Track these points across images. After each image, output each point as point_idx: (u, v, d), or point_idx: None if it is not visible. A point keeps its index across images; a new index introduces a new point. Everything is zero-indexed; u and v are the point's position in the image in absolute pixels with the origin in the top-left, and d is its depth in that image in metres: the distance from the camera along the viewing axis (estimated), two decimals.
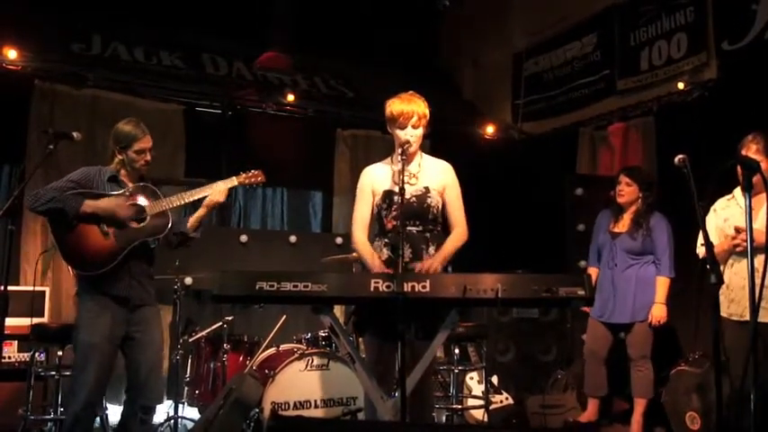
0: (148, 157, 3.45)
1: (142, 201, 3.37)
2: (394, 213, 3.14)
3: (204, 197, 3.48)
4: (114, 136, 3.42)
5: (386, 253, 3.15)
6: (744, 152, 3.44)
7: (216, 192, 3.45)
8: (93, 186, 3.34)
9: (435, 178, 3.25)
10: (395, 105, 3.18)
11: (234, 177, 3.56)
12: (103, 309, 3.25)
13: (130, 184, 3.43)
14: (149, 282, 3.46)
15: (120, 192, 3.36)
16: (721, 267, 3.66)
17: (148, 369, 3.36)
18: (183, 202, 3.43)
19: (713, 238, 3.67)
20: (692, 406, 4.36)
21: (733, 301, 3.50)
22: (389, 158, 3.33)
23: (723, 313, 3.56)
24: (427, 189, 3.20)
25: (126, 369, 3.40)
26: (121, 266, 3.27)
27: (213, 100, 6.36)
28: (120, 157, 3.41)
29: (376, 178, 3.27)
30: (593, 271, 4.65)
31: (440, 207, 3.23)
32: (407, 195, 3.10)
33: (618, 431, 4.82)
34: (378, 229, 3.27)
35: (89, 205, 3.22)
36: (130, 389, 3.36)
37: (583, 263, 5.40)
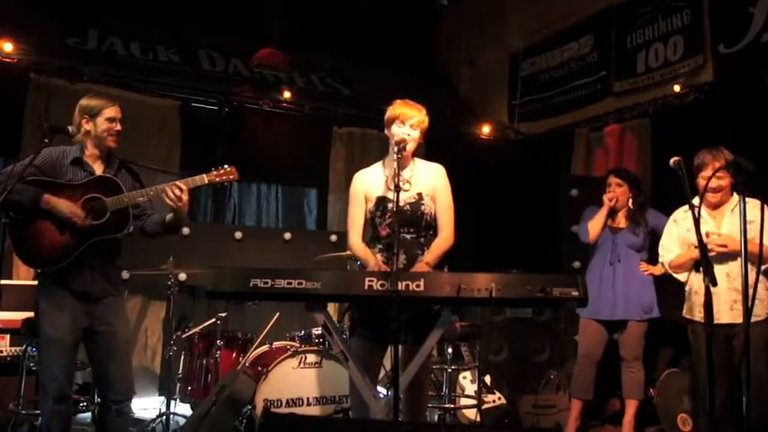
0: (119, 127, 3.28)
1: (103, 195, 3.19)
2: (388, 221, 3.16)
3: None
4: (81, 107, 3.27)
5: (380, 258, 3.17)
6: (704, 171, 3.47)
7: (174, 200, 3.18)
8: (56, 170, 3.19)
9: (427, 182, 3.26)
10: (397, 107, 3.23)
11: (204, 175, 3.34)
12: (62, 302, 3.13)
13: (96, 167, 3.28)
14: (113, 271, 3.33)
15: (82, 182, 3.21)
16: (687, 275, 3.71)
17: (115, 362, 3.23)
18: (146, 198, 3.26)
19: (676, 248, 3.73)
20: (684, 407, 4.38)
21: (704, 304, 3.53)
22: (381, 162, 3.34)
23: (695, 317, 3.64)
24: (420, 196, 3.21)
25: (91, 363, 3.30)
26: (80, 261, 3.13)
27: (209, 96, 6.36)
28: (87, 128, 3.24)
29: (368, 183, 3.29)
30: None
31: (433, 213, 3.24)
32: (401, 203, 3.11)
33: None
34: (371, 235, 3.28)
35: (47, 201, 3.09)
36: (98, 384, 3.26)
37: (577, 263, 5.42)
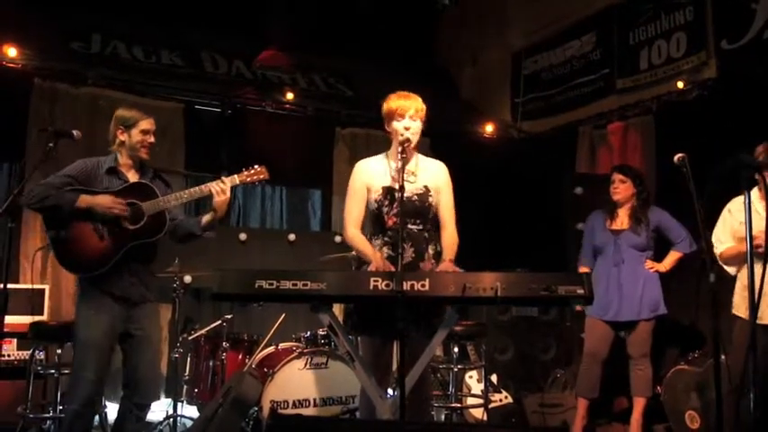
0: (152, 139, 3.38)
1: (139, 200, 3.29)
2: (396, 210, 3.11)
3: (206, 196, 3.42)
4: (117, 118, 3.36)
5: (386, 251, 3.13)
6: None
7: (219, 193, 3.36)
8: (91, 180, 3.28)
9: (432, 178, 3.26)
10: (392, 101, 3.20)
11: (236, 176, 3.49)
12: (102, 306, 3.22)
13: (129, 175, 3.37)
14: (150, 278, 3.43)
15: (118, 189, 3.30)
16: (735, 269, 3.67)
17: (146, 366, 3.34)
18: (180, 201, 3.37)
19: (727, 239, 3.67)
20: (692, 405, 4.37)
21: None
22: (384, 153, 3.31)
23: (741, 314, 3.58)
24: (427, 188, 3.21)
25: (123, 366, 3.37)
26: (120, 266, 3.23)
27: (212, 98, 6.36)
28: (122, 138, 3.33)
29: (372, 173, 3.24)
30: (586, 270, 4.65)
31: (437, 207, 3.25)
32: (408, 194, 3.11)
33: (617, 430, 4.83)
34: (377, 226, 3.23)
35: (85, 200, 3.18)
36: (128, 386, 3.34)
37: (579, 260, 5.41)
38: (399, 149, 3.07)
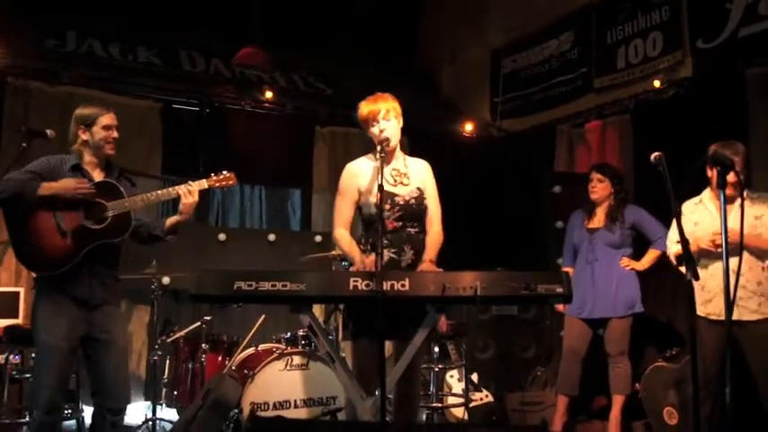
0: (116, 134, 3.29)
1: (104, 200, 3.20)
2: (397, 215, 3.13)
3: (173, 199, 3.36)
4: (76, 117, 3.27)
5: (387, 254, 3.07)
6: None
7: (186, 195, 3.30)
8: (55, 177, 3.17)
9: (420, 178, 3.27)
10: (362, 107, 3.21)
11: (204, 180, 3.42)
12: (61, 308, 3.12)
13: (95, 174, 3.27)
14: (112, 282, 3.31)
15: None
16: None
17: (113, 370, 3.23)
18: (148, 203, 3.29)
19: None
20: (670, 401, 4.42)
21: (710, 301, 3.56)
22: (372, 155, 3.26)
23: (699, 313, 3.62)
24: (420, 190, 3.22)
25: (88, 372, 3.26)
26: (80, 267, 3.13)
27: (190, 97, 6.30)
28: (84, 137, 3.25)
29: (362, 175, 3.22)
30: (568, 270, 4.68)
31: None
32: (407, 197, 3.15)
33: (596, 427, 4.86)
34: (363, 229, 3.24)
35: (47, 187, 3.08)
36: (97, 393, 3.23)
37: (561, 260, 5.44)
38: (378, 149, 3.05)
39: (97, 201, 3.18)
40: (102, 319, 3.21)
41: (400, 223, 3.13)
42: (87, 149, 3.28)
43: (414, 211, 3.17)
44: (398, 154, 3.28)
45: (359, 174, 3.23)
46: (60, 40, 6.12)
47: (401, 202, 3.15)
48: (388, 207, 3.12)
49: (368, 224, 3.22)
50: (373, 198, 3.11)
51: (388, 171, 3.18)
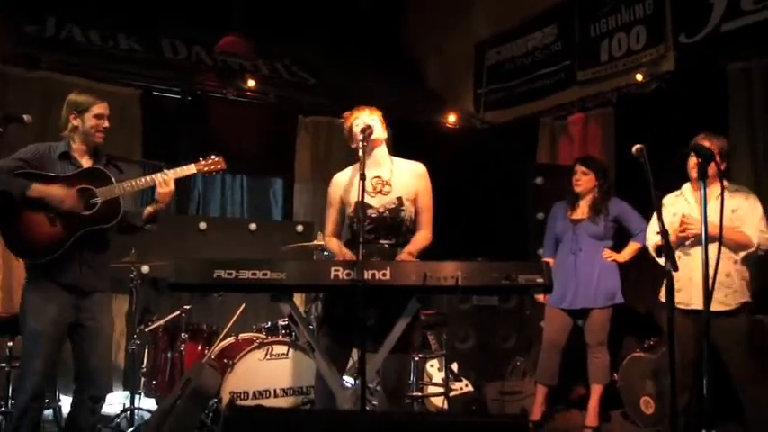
0: (106, 124, 3.30)
1: (93, 186, 3.20)
2: (369, 227, 3.10)
3: (151, 187, 3.34)
4: (69, 103, 3.27)
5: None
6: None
7: (161, 185, 3.29)
8: (44, 164, 3.18)
9: (407, 185, 3.21)
10: (346, 123, 3.23)
11: (192, 164, 3.42)
12: (50, 295, 3.13)
13: (83, 161, 3.27)
14: (102, 268, 3.32)
15: (71, 173, 3.20)
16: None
17: (98, 358, 3.24)
18: (136, 189, 3.28)
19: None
20: (647, 390, 4.47)
21: (680, 290, 3.58)
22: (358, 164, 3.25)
23: (677, 303, 3.64)
24: (400, 201, 3.16)
25: (74, 357, 3.27)
26: (70, 253, 3.13)
27: (172, 85, 6.24)
28: (75, 123, 3.24)
29: (345, 187, 3.23)
30: (549, 261, 4.70)
31: (413, 217, 3.21)
32: (381, 209, 3.12)
33: (575, 416, 4.91)
34: (350, 240, 3.22)
35: (36, 190, 3.08)
36: (79, 378, 3.24)
37: (542, 250, 5.47)
38: (361, 137, 3.05)
39: (86, 187, 3.18)
40: (90, 307, 3.23)
41: (372, 236, 3.10)
42: (77, 136, 3.29)
43: (388, 224, 3.12)
44: (385, 159, 3.25)
45: (342, 185, 3.26)
46: (40, 25, 6.02)
47: (373, 215, 3.10)
48: (357, 220, 3.10)
49: (352, 234, 3.22)
50: (350, 211, 3.18)
51: (370, 178, 3.11)
